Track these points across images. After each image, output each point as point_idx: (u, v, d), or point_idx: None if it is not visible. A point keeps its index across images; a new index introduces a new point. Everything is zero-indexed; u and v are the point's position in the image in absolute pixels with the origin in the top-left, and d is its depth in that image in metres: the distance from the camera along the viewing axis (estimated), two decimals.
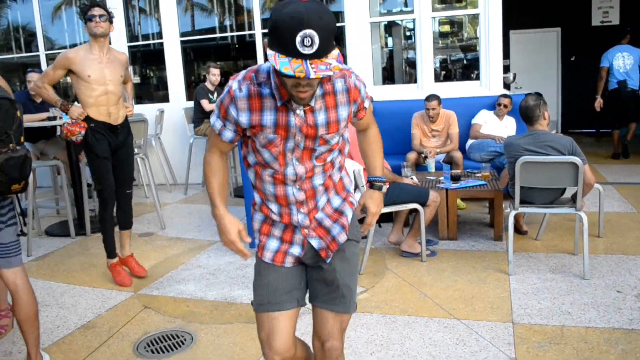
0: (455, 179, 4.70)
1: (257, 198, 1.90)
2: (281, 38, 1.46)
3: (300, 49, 1.44)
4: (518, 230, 4.63)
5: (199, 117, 6.75)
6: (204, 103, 6.60)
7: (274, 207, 1.85)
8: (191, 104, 7.05)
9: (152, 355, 2.98)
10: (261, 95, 1.69)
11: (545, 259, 4.07)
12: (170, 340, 3.14)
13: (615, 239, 4.41)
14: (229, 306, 3.56)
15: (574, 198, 3.77)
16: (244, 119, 1.71)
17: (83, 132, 3.78)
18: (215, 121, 1.79)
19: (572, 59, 10.74)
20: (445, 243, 4.54)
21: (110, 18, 3.81)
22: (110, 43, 3.93)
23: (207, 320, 3.36)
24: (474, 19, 7.75)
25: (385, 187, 2.01)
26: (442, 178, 4.80)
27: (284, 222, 1.86)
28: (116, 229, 4.15)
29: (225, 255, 4.57)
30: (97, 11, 3.74)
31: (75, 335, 3.28)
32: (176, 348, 3.04)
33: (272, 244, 1.89)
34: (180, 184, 7.57)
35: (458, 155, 5.58)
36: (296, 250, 1.87)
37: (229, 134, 1.78)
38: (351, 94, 1.75)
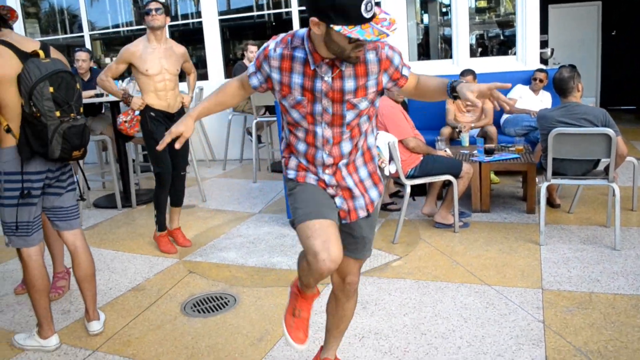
0: (488, 152, 4.77)
1: (292, 157, 2.07)
2: (346, 12, 1.61)
3: (365, 15, 1.62)
4: (551, 203, 4.68)
5: None
6: None
7: (304, 162, 2.03)
8: None
9: (199, 314, 3.20)
10: (292, 59, 1.86)
11: (577, 230, 4.13)
12: (214, 301, 3.36)
13: None
14: (269, 272, 3.76)
15: (606, 170, 3.80)
16: (275, 75, 1.91)
17: (137, 128, 4.08)
18: (250, 66, 2.00)
19: (613, 33, 10.50)
20: (477, 215, 4.63)
21: (166, 10, 4.02)
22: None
23: (248, 284, 3.57)
24: None
25: (457, 82, 1.89)
26: (475, 152, 4.87)
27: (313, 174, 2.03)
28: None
29: (265, 226, 4.77)
30: (153, 5, 3.97)
31: (126, 296, 3.52)
32: (221, 308, 3.25)
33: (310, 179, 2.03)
34: (219, 160, 7.80)
35: (492, 129, 5.62)
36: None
37: (255, 81, 1.99)
38: (382, 64, 1.86)
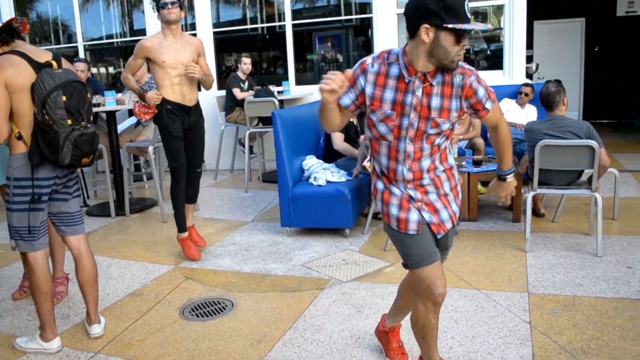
0: (476, 163, 4.93)
1: (376, 167, 2.24)
2: (456, 11, 1.82)
3: (468, 14, 1.85)
4: (536, 213, 4.84)
5: (230, 105, 7.04)
6: (236, 91, 6.89)
7: (386, 181, 2.22)
8: (223, 92, 7.36)
9: (197, 318, 3.29)
10: (387, 74, 2.03)
11: (561, 238, 4.29)
12: (212, 306, 3.45)
13: (629, 222, 4.61)
14: (265, 277, 3.86)
15: (590, 181, 3.97)
16: (369, 89, 2.05)
17: (149, 117, 4.15)
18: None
19: (596, 49, 10.81)
20: (465, 224, 4.78)
21: (181, 4, 4.02)
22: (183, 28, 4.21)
23: (245, 289, 3.67)
24: (499, 9, 7.89)
25: (510, 177, 2.32)
26: (464, 163, 5.02)
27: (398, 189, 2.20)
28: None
29: (258, 234, 4.87)
30: None
31: (124, 301, 3.60)
32: (219, 312, 3.34)
33: (393, 210, 2.18)
34: (209, 170, 7.90)
35: (480, 141, 5.79)
36: (414, 216, 2.15)
37: (346, 100, 2.11)
38: (464, 90, 2.03)
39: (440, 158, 2.16)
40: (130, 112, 7.00)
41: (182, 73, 4.06)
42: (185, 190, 4.33)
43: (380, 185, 2.23)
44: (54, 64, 2.72)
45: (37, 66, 2.67)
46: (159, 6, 3.98)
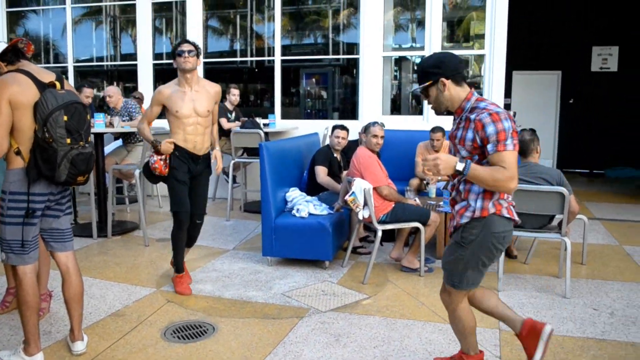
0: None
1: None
2: (460, 69, 2.48)
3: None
4: (509, 254, 5.03)
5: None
6: (223, 122, 7.02)
7: None
8: None
9: (179, 340, 3.35)
10: None
11: (531, 279, 4.47)
12: (194, 329, 3.52)
13: (596, 267, 4.82)
14: (245, 304, 3.94)
15: (560, 226, 4.17)
16: None
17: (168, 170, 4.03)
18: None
19: (571, 101, 11.28)
20: (438, 262, 4.92)
21: (197, 53, 3.97)
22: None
23: (226, 314, 3.74)
24: (480, 58, 8.24)
25: (462, 166, 2.35)
26: (441, 203, 5.21)
27: None
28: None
29: (239, 262, 4.96)
30: (186, 47, 3.91)
31: (107, 321, 3.65)
32: (200, 336, 3.41)
33: None
34: None
35: None
36: None
37: None
38: (476, 125, 2.38)
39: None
40: (117, 135, 7.11)
41: (197, 122, 4.02)
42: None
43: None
44: (58, 84, 2.84)
45: (41, 85, 2.79)
46: (175, 53, 3.93)
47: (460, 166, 2.34)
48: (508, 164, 2.31)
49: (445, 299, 2.75)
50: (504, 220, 2.49)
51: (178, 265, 4.23)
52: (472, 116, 2.40)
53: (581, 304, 3.93)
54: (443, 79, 2.44)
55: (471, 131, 2.40)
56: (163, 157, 4.01)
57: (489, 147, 2.34)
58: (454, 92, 2.47)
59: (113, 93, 6.57)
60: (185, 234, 4.17)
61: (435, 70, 2.46)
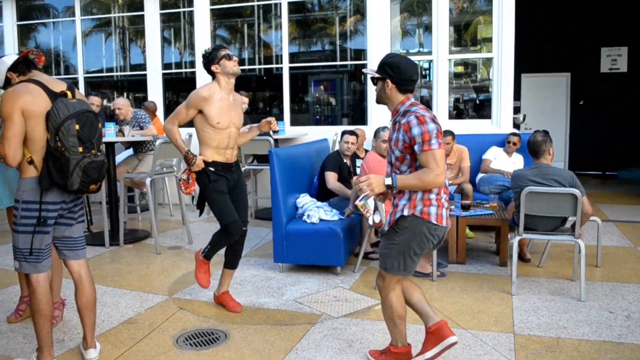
0: (465, 208, 5.09)
1: None
2: (408, 84, 2.74)
3: None
4: (522, 258, 4.99)
5: None
6: None
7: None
8: None
9: (191, 347, 3.35)
10: None
11: (545, 283, 4.43)
12: (206, 336, 3.51)
13: (611, 269, 4.77)
14: (257, 311, 3.93)
15: (573, 228, 4.13)
16: None
17: (194, 187, 3.75)
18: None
19: (581, 103, 11.21)
20: (454, 266, 4.90)
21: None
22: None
23: (238, 321, 3.73)
24: (488, 61, 8.22)
25: (390, 180, 2.66)
26: (453, 207, 5.18)
27: None
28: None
29: (250, 269, 4.96)
30: (230, 51, 3.64)
31: (119, 328, 3.65)
32: (213, 343, 3.41)
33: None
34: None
35: (468, 187, 5.97)
36: None
37: None
38: (404, 127, 2.66)
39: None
40: (127, 145, 7.15)
41: (232, 135, 3.71)
42: (226, 255, 3.96)
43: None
44: (69, 93, 2.86)
45: (52, 95, 2.81)
46: (223, 56, 3.57)
47: (388, 181, 2.66)
48: (433, 162, 2.59)
49: (379, 284, 2.94)
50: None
51: (209, 255, 3.89)
52: (403, 120, 2.67)
53: (597, 307, 3.88)
54: (389, 81, 2.73)
55: (401, 133, 2.67)
56: (186, 176, 3.73)
57: (416, 147, 2.62)
58: (394, 95, 2.76)
59: (122, 105, 6.61)
60: (230, 243, 3.84)
61: (389, 70, 2.72)
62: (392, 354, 2.98)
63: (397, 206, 2.78)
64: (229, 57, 3.58)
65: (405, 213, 2.71)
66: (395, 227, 2.77)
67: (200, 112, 3.60)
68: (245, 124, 7.29)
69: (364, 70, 2.92)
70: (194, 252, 5.47)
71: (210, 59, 3.63)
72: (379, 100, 2.86)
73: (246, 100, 7.26)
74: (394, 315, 2.88)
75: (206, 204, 3.86)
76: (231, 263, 3.97)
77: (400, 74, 2.71)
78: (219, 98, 3.61)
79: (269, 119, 3.88)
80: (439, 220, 2.71)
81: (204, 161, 3.65)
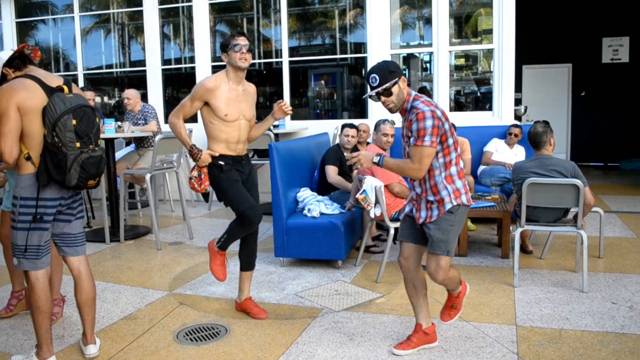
0: None
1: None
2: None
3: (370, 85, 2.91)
4: (524, 250, 4.96)
5: None
6: None
7: None
8: None
9: (192, 342, 3.34)
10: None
11: (548, 274, 4.40)
12: (206, 331, 3.50)
13: (614, 260, 4.74)
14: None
15: (575, 219, 4.10)
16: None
17: (207, 182, 3.53)
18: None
19: (582, 94, 11.15)
20: (455, 259, 4.88)
21: (251, 50, 3.45)
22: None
23: (238, 316, 3.72)
24: (489, 53, 8.18)
25: (377, 159, 2.94)
26: None
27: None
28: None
29: None
30: (243, 41, 3.36)
31: (119, 324, 3.64)
32: (213, 337, 3.39)
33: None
34: (201, 200, 7.99)
35: (470, 179, 5.94)
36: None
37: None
38: (409, 124, 2.86)
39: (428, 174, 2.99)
40: (128, 141, 7.14)
41: (243, 127, 3.53)
42: (240, 256, 3.78)
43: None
44: (65, 88, 2.83)
45: (49, 90, 2.78)
46: (232, 46, 3.36)
47: (376, 159, 2.93)
48: (417, 157, 2.79)
49: (433, 270, 3.01)
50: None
51: (224, 245, 3.66)
52: (410, 117, 2.85)
53: (599, 298, 3.86)
54: (404, 77, 2.89)
55: (408, 129, 2.87)
56: (197, 173, 3.52)
57: (411, 140, 2.81)
58: (405, 91, 2.91)
59: (131, 95, 6.58)
60: (247, 233, 3.62)
61: (397, 70, 2.87)
62: (424, 333, 3.14)
63: (441, 201, 2.90)
64: (234, 48, 3.35)
65: (455, 203, 2.89)
66: (446, 215, 2.90)
67: (207, 104, 3.43)
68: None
69: (370, 94, 2.91)
70: (194, 248, 5.51)
71: (222, 46, 3.46)
72: (398, 107, 2.94)
73: None
74: (456, 277, 3.15)
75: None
76: (248, 264, 3.77)
77: (399, 67, 2.91)
78: (227, 89, 3.42)
79: (280, 102, 3.63)
80: (469, 202, 2.96)
81: (212, 155, 3.48)
